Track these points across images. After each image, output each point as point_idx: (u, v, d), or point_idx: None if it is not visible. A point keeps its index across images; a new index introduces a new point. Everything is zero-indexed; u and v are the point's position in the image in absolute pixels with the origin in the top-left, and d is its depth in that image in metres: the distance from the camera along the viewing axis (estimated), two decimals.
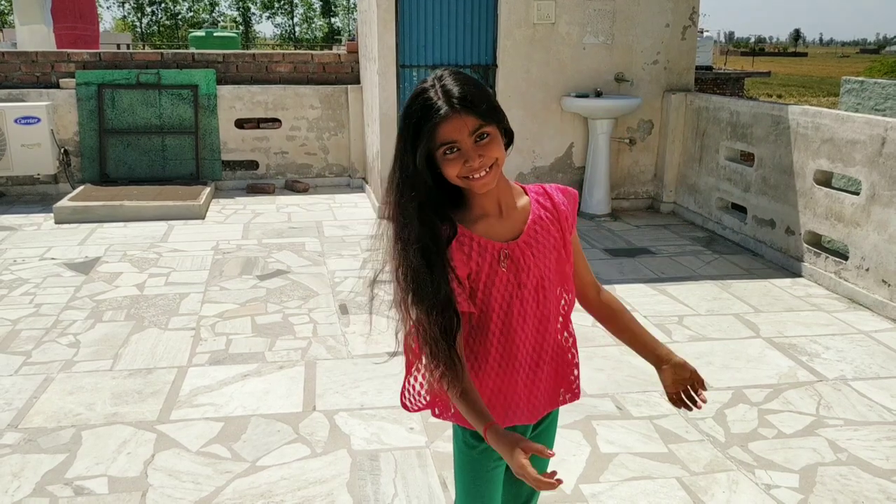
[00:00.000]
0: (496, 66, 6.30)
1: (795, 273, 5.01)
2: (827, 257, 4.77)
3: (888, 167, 4.27)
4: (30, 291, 4.52)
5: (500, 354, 1.54)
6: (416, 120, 1.39)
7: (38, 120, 6.77)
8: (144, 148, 7.24)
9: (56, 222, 6.09)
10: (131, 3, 56.95)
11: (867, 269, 4.42)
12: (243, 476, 2.69)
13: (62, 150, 7.06)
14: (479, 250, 1.48)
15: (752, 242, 5.53)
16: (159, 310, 4.25)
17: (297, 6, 64.48)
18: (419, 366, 1.57)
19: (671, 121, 6.51)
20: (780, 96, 31.98)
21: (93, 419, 3.06)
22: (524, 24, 6.22)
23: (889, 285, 4.26)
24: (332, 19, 64.21)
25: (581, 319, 1.71)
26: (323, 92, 7.55)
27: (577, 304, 1.68)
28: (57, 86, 7.22)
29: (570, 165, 6.61)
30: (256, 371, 3.51)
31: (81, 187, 6.83)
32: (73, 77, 7.18)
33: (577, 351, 1.68)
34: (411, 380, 1.63)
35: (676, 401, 1.68)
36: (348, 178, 7.72)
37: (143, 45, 49.16)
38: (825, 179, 4.89)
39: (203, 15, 60.52)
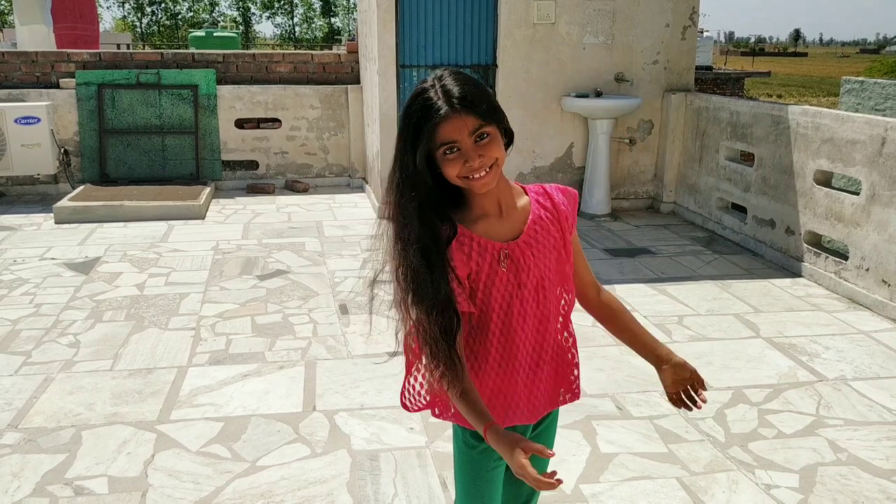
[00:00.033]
0: (496, 66, 6.30)
1: (795, 273, 5.01)
2: (827, 257, 4.77)
3: (888, 167, 4.27)
4: (30, 291, 4.52)
5: (500, 354, 1.54)
6: (416, 120, 1.39)
7: (38, 120, 6.77)
8: (144, 148, 7.24)
9: (56, 222, 6.09)
10: (131, 3, 56.98)
11: (867, 269, 4.42)
12: (243, 476, 2.69)
13: (62, 150, 7.06)
14: (479, 250, 1.48)
15: (752, 242, 5.53)
16: (159, 310, 4.25)
17: (297, 6, 64.50)
18: (419, 366, 1.57)
19: (671, 121, 6.51)
20: (780, 96, 31.98)
21: (93, 419, 3.06)
22: (524, 24, 6.22)
23: (889, 285, 4.26)
24: (332, 19, 64.24)
25: (581, 319, 1.71)
26: (323, 92, 7.55)
27: (576, 305, 1.68)
28: (57, 86, 7.22)
29: (570, 165, 6.61)
30: (256, 371, 3.51)
31: (81, 187, 6.83)
32: (73, 77, 7.18)
33: (577, 351, 1.68)
34: (411, 380, 1.63)
35: (676, 401, 1.68)
36: (348, 178, 7.73)
37: (143, 45, 49.17)
38: (825, 179, 4.89)
39: (203, 15, 60.53)
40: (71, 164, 7.15)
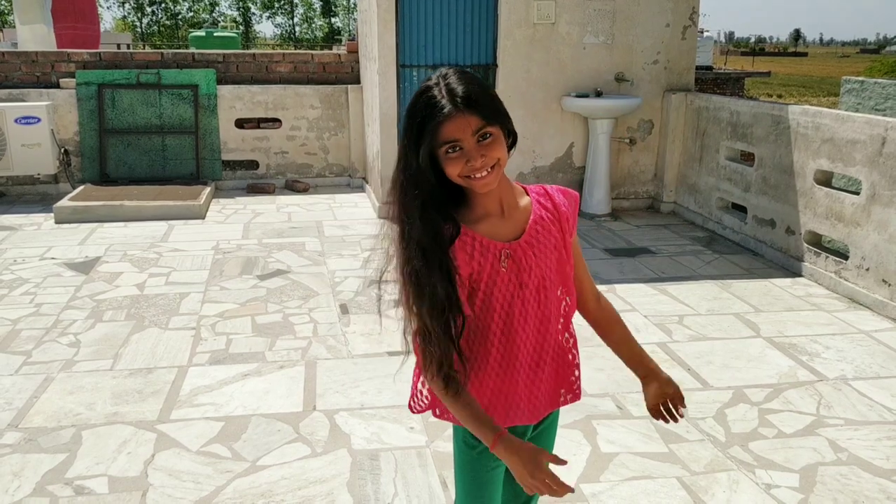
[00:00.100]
0: (496, 65, 6.30)
1: (796, 273, 5.01)
2: (827, 257, 4.77)
3: (888, 167, 4.26)
4: (30, 291, 4.52)
5: (501, 355, 1.54)
6: (420, 118, 1.39)
7: (39, 120, 6.77)
8: (145, 148, 7.24)
9: (56, 222, 6.09)
10: (131, 3, 56.97)
11: (867, 269, 4.42)
12: (243, 476, 2.69)
13: (62, 150, 7.06)
14: (482, 250, 1.48)
15: (753, 242, 5.53)
16: (159, 309, 4.25)
17: (297, 6, 64.50)
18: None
19: (671, 121, 6.51)
20: (780, 96, 31.98)
21: (93, 419, 3.06)
22: (524, 23, 6.22)
23: (889, 285, 4.26)
24: (333, 19, 64.24)
25: (581, 319, 1.73)
26: (323, 92, 7.55)
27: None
28: (57, 86, 7.22)
29: (571, 165, 6.61)
30: (257, 371, 3.51)
31: (81, 187, 6.83)
32: (74, 77, 7.18)
33: (577, 351, 1.68)
34: (420, 383, 1.63)
35: (655, 413, 1.72)
36: (348, 178, 7.73)
37: (144, 45, 49.18)
38: (825, 179, 4.89)
39: (203, 15, 60.53)
40: (71, 163, 7.15)
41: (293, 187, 7.49)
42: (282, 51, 9.08)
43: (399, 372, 3.35)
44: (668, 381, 1.70)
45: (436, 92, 1.39)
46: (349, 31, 53.99)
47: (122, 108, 7.17)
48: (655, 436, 2.97)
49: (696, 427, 3.05)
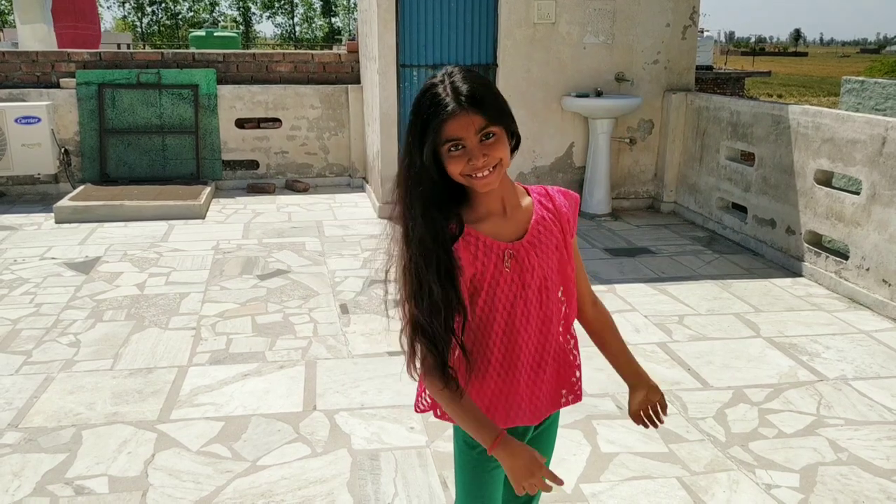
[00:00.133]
0: (496, 65, 6.30)
1: (796, 273, 5.00)
2: (827, 257, 4.76)
3: (888, 167, 4.26)
4: (30, 291, 4.52)
5: (503, 355, 1.54)
6: (424, 116, 1.40)
7: (39, 120, 6.77)
8: (145, 148, 7.24)
9: (56, 222, 6.09)
10: (131, 2, 56.98)
11: (868, 269, 4.42)
12: (244, 476, 2.69)
13: (62, 150, 7.06)
14: (485, 250, 1.48)
15: (753, 242, 5.53)
16: (160, 309, 4.25)
17: (297, 6, 64.50)
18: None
19: (671, 120, 6.51)
20: (780, 96, 31.98)
21: (93, 419, 3.06)
22: (524, 23, 6.22)
23: (889, 285, 4.26)
24: (333, 19, 64.25)
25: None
26: (323, 91, 7.55)
27: None
28: (57, 85, 7.22)
29: (571, 165, 6.61)
30: (257, 370, 3.51)
31: (82, 187, 6.83)
32: (74, 77, 7.18)
33: (578, 352, 1.68)
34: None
35: (637, 418, 1.73)
36: (349, 178, 7.73)
37: (144, 45, 49.18)
38: (826, 179, 4.89)
39: (203, 15, 60.53)
40: (71, 163, 7.15)
41: (293, 187, 7.49)
42: (282, 51, 9.09)
43: (403, 371, 3.35)
44: (656, 389, 1.73)
45: (440, 90, 1.39)
46: (349, 30, 54.01)
47: (122, 108, 7.17)
48: (655, 436, 2.97)
49: (696, 427, 3.05)
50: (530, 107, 6.35)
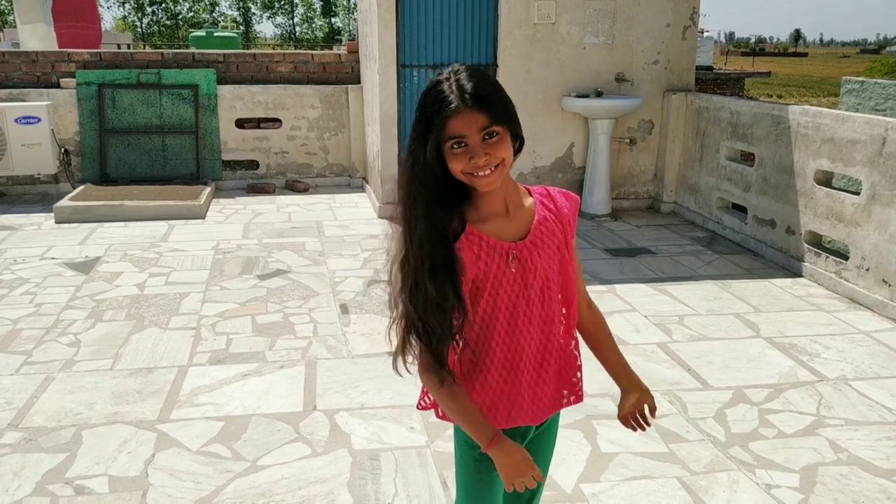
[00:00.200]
0: (496, 65, 6.30)
1: (796, 273, 5.00)
2: (827, 257, 4.77)
3: (888, 167, 4.26)
4: (30, 291, 4.52)
5: (505, 355, 1.54)
6: (428, 112, 1.40)
7: (39, 120, 6.77)
8: (145, 148, 7.24)
9: (56, 222, 6.09)
10: (132, 3, 56.99)
11: (867, 269, 4.42)
12: (244, 475, 2.69)
13: (62, 150, 7.06)
14: (488, 250, 1.48)
15: (753, 242, 5.53)
16: (160, 309, 4.25)
17: (297, 6, 64.52)
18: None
19: (671, 121, 6.51)
20: (780, 96, 31.99)
21: (93, 418, 3.06)
22: (524, 23, 6.22)
23: (889, 285, 4.26)
24: (333, 19, 64.28)
25: None
26: (323, 92, 7.55)
27: None
28: (57, 85, 7.22)
29: (571, 165, 6.61)
30: (257, 370, 3.51)
31: (82, 187, 6.83)
32: (74, 77, 7.18)
33: (579, 353, 1.68)
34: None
35: (627, 421, 1.75)
36: (349, 178, 7.73)
37: (144, 45, 49.18)
38: (826, 179, 4.89)
39: (203, 15, 60.56)
40: (71, 163, 7.15)
41: (293, 187, 7.49)
42: (282, 51, 9.08)
43: (403, 372, 3.34)
44: (647, 392, 1.75)
45: (445, 87, 1.40)
46: (349, 31, 54.01)
47: (122, 108, 7.17)
48: (655, 436, 2.97)
49: (696, 427, 3.05)
50: (530, 107, 6.35)
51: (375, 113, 6.42)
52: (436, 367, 1.46)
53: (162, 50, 8.35)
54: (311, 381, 3.40)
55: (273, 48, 48.12)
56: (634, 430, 1.75)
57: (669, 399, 3.28)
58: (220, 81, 7.46)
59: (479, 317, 1.52)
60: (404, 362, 1.50)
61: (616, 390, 1.78)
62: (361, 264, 5.11)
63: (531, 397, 1.59)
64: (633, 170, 6.76)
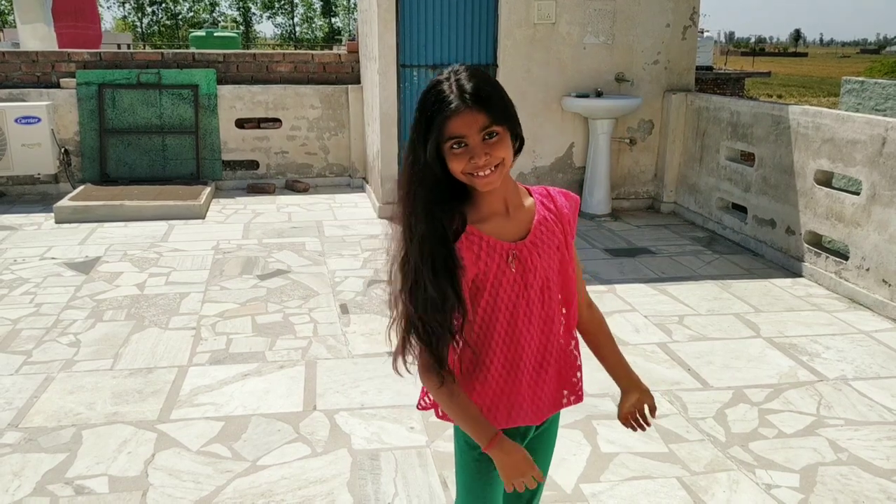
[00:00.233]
0: (496, 65, 6.30)
1: (796, 273, 5.00)
2: (827, 257, 4.77)
3: (889, 167, 4.26)
4: (30, 291, 4.52)
5: (505, 355, 1.54)
6: (428, 112, 1.40)
7: (39, 120, 6.77)
8: (145, 148, 7.24)
9: (56, 222, 6.09)
10: (131, 3, 56.97)
11: (868, 269, 4.42)
12: (244, 475, 2.69)
13: (62, 150, 7.06)
14: (488, 250, 1.48)
15: (753, 242, 5.53)
16: (160, 309, 4.25)
17: (297, 6, 64.52)
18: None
19: (671, 121, 6.51)
20: (780, 96, 31.99)
21: (93, 418, 3.06)
22: (524, 23, 6.22)
23: (889, 285, 4.26)
24: (333, 19, 64.26)
25: None
26: (323, 92, 7.55)
27: None
28: (57, 85, 7.22)
29: (571, 165, 6.61)
30: (257, 370, 3.51)
31: (82, 187, 6.83)
32: (74, 77, 7.18)
33: (579, 353, 1.68)
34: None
35: (627, 421, 1.75)
36: (349, 178, 7.73)
37: (144, 45, 49.18)
38: (826, 179, 4.89)
39: (203, 15, 60.54)
40: (71, 163, 7.15)
41: (293, 187, 7.49)
42: (282, 51, 9.10)
43: (403, 371, 3.34)
44: (647, 392, 1.75)
45: (445, 87, 1.40)
46: (349, 31, 54.02)
47: (122, 108, 7.17)
48: (655, 436, 2.97)
49: (696, 427, 3.05)
50: (530, 107, 6.35)
51: (375, 113, 6.43)
52: (435, 367, 1.46)
53: (162, 50, 8.35)
54: (311, 381, 3.40)
55: (273, 48, 48.13)
56: (634, 429, 1.75)
57: (669, 399, 3.28)
58: (220, 81, 7.46)
59: (479, 317, 1.52)
60: (404, 362, 1.50)
61: (616, 390, 1.78)
62: (361, 264, 5.11)
63: (531, 397, 1.59)
64: (633, 170, 6.76)
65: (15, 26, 12.01)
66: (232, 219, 6.33)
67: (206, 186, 6.95)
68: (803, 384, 3.44)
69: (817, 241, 4.95)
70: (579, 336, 1.72)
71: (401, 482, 2.66)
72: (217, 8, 61.81)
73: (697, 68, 9.11)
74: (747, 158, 5.90)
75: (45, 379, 3.40)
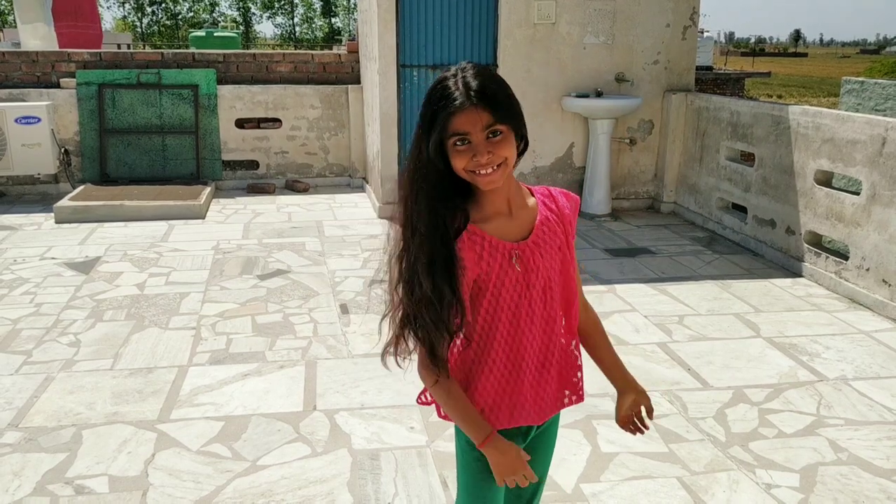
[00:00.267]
0: (496, 65, 6.30)
1: (796, 273, 5.01)
2: (827, 257, 4.77)
3: (888, 167, 4.27)
4: (30, 291, 4.52)
5: (507, 355, 1.54)
6: (433, 108, 1.40)
7: (39, 120, 6.77)
8: (145, 148, 7.24)
9: (56, 222, 6.09)
10: (131, 3, 56.99)
11: (867, 269, 4.42)
12: (244, 475, 2.69)
13: (62, 150, 7.06)
14: (491, 250, 1.48)
15: (753, 242, 5.53)
16: (160, 309, 4.25)
17: (297, 6, 64.52)
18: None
19: (671, 121, 6.51)
20: (780, 96, 32.00)
21: (93, 418, 3.06)
22: (524, 23, 6.22)
23: (889, 285, 4.26)
24: (333, 19, 64.28)
25: None
26: (323, 92, 7.55)
27: None
28: (57, 85, 7.22)
29: (571, 165, 6.61)
30: (257, 370, 3.51)
31: (82, 187, 6.83)
32: (74, 77, 7.18)
33: (580, 353, 1.68)
34: None
35: (626, 424, 1.73)
36: (349, 178, 7.73)
37: (144, 45, 49.19)
38: (826, 179, 4.89)
39: (203, 15, 60.56)
40: (71, 163, 7.15)
41: (293, 187, 7.49)
42: (282, 51, 9.10)
43: (403, 371, 3.34)
44: (644, 393, 1.74)
45: (451, 83, 1.40)
46: (349, 31, 54.03)
47: (122, 108, 7.17)
48: (655, 436, 2.97)
49: (696, 427, 3.05)
50: (530, 107, 6.34)
51: (375, 113, 6.43)
52: (432, 363, 1.47)
53: (162, 50, 8.36)
54: (311, 381, 3.40)
55: (273, 48, 48.13)
56: (634, 433, 1.74)
57: (669, 399, 3.28)
58: (220, 81, 7.46)
59: (481, 317, 1.52)
60: (395, 357, 1.50)
61: (615, 390, 1.78)
62: (361, 264, 5.11)
63: (533, 397, 1.59)
64: (633, 170, 6.76)
65: (15, 26, 12.01)
66: (232, 219, 6.33)
67: (206, 186, 6.95)
68: (803, 384, 3.44)
69: (817, 241, 4.95)
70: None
71: (401, 482, 2.66)
72: (217, 8, 61.87)
73: (697, 68, 9.11)
74: (747, 158, 5.90)
75: (45, 379, 3.40)
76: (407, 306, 1.45)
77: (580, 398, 1.69)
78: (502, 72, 6.27)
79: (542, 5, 6.19)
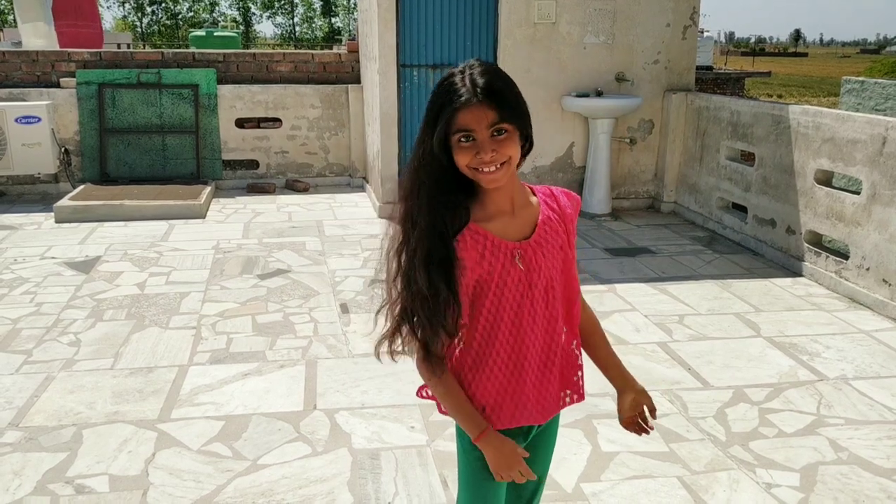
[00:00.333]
0: (496, 65, 6.29)
1: (796, 272, 5.01)
2: (828, 257, 4.77)
3: (889, 167, 4.27)
4: (30, 290, 4.52)
5: (509, 355, 1.54)
6: (439, 103, 1.40)
7: (39, 119, 6.77)
8: (145, 147, 7.24)
9: (56, 221, 6.09)
10: (131, 2, 56.98)
11: (868, 269, 4.42)
12: (244, 474, 2.69)
13: (63, 150, 7.06)
14: (493, 250, 1.47)
15: (753, 242, 5.53)
16: (160, 309, 4.25)
17: (297, 6, 64.51)
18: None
19: (672, 120, 6.51)
20: (780, 96, 31.99)
21: (93, 418, 3.06)
22: (525, 23, 6.22)
23: (890, 285, 4.26)
24: (333, 19, 64.26)
25: None
26: (323, 91, 7.55)
27: None
28: (57, 85, 7.22)
29: (571, 165, 6.61)
30: (257, 370, 3.51)
31: (82, 186, 6.83)
32: (74, 76, 7.18)
33: (580, 352, 1.68)
34: None
35: (630, 424, 1.73)
36: (349, 178, 7.73)
37: (144, 45, 49.19)
38: (826, 179, 4.89)
39: (203, 15, 60.55)
40: (71, 163, 7.15)
41: (293, 187, 7.49)
42: (282, 50, 9.08)
43: (403, 371, 3.35)
44: (644, 392, 1.73)
45: (458, 79, 1.40)
46: (349, 30, 54.03)
47: (122, 108, 7.17)
48: (656, 435, 2.97)
49: (696, 426, 3.05)
50: (530, 106, 6.16)
51: (375, 113, 6.43)
52: (429, 358, 1.47)
53: (162, 50, 8.34)
54: (312, 381, 3.41)
55: (273, 48, 48.12)
56: (639, 434, 1.73)
57: (670, 398, 3.28)
58: (220, 81, 7.46)
59: (483, 317, 1.52)
60: (390, 350, 1.50)
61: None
62: (361, 264, 5.11)
63: (536, 397, 1.59)
64: (634, 169, 6.76)
65: (15, 26, 12.01)
66: (232, 218, 6.33)
67: (206, 186, 6.95)
68: (803, 383, 3.44)
69: (817, 241, 4.95)
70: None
71: (401, 481, 2.66)
72: (217, 8, 61.85)
73: (697, 68, 9.11)
74: (747, 158, 5.90)
75: (46, 378, 3.40)
76: (405, 300, 1.45)
77: (581, 397, 1.69)
78: None
79: (542, 5, 6.19)
